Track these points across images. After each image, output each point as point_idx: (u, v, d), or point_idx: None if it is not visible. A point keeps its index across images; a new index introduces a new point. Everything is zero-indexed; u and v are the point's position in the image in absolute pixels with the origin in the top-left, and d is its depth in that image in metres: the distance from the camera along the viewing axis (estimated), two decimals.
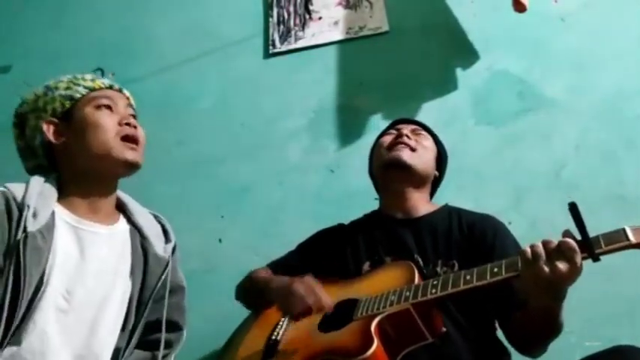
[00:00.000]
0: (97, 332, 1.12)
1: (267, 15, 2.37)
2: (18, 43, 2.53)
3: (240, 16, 2.39)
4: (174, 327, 1.30)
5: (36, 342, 1.05)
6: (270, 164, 2.10)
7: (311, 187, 2.03)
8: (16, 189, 1.12)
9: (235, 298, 1.58)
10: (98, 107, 1.23)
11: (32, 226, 1.06)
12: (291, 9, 2.36)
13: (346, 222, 1.61)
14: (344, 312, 1.21)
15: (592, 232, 1.03)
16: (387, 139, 1.56)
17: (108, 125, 1.21)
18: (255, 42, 2.33)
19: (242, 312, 1.53)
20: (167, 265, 1.26)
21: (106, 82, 1.30)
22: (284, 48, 2.29)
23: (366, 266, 1.41)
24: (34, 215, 1.08)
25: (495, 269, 1.09)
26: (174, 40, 2.40)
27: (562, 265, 1.03)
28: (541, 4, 2.07)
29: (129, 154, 1.21)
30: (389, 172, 1.51)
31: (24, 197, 1.10)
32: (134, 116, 1.30)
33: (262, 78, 2.26)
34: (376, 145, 1.61)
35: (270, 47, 2.30)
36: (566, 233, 1.06)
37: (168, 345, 1.28)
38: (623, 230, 1.00)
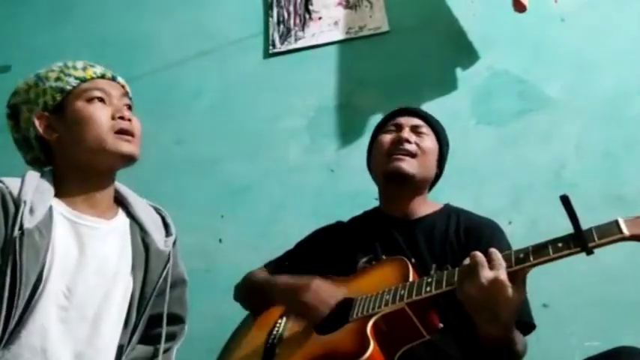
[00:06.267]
0: (99, 329, 1.10)
1: (267, 15, 2.37)
2: (18, 43, 2.53)
3: (240, 16, 2.39)
4: (177, 320, 1.28)
5: (36, 339, 1.03)
6: (270, 164, 2.10)
7: (311, 187, 2.03)
8: (12, 184, 1.08)
9: (234, 299, 1.58)
10: (90, 100, 1.18)
11: (29, 222, 1.03)
12: (291, 9, 2.36)
13: (345, 220, 1.60)
14: (340, 312, 1.21)
15: None
16: (387, 140, 1.49)
17: (101, 120, 1.16)
18: (255, 42, 2.33)
19: (242, 312, 1.53)
20: (168, 260, 1.23)
21: (98, 70, 1.23)
22: (284, 48, 2.29)
23: (362, 264, 1.39)
24: (31, 211, 1.05)
25: None
26: (174, 40, 2.40)
27: (488, 280, 1.01)
28: (541, 4, 2.06)
29: (124, 146, 1.17)
30: (389, 182, 1.48)
31: (20, 193, 1.06)
32: (129, 106, 1.25)
33: (262, 78, 2.26)
34: (375, 142, 1.55)
35: (270, 47, 2.30)
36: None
37: (171, 337, 1.27)
38: (616, 222, 0.98)
